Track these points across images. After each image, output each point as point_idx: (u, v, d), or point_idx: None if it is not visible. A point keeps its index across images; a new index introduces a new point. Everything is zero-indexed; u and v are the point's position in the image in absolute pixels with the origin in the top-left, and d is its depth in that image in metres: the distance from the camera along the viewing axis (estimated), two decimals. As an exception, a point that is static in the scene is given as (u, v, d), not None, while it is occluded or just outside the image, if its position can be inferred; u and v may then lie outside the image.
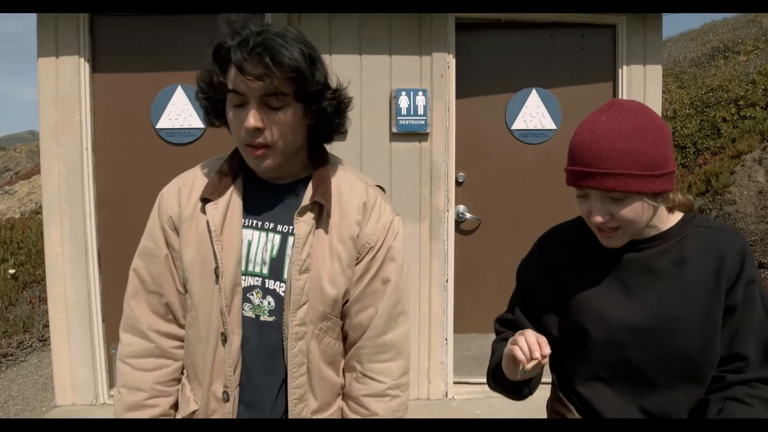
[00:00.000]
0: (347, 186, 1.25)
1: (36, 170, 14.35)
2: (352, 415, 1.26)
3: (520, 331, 1.20)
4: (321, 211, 1.20)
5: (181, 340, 1.29)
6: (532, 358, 1.13)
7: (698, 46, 14.14)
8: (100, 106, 3.32)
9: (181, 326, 1.29)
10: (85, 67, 3.23)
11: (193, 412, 1.24)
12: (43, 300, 6.13)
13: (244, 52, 1.04)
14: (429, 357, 3.44)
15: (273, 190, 1.25)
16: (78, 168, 3.26)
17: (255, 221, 1.22)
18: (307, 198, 1.20)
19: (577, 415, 1.29)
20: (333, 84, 1.20)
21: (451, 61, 3.35)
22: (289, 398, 1.20)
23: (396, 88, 3.27)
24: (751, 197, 7.11)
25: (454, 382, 3.54)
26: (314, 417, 1.23)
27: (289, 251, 1.19)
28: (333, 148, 3.15)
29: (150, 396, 1.26)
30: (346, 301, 1.24)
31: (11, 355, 4.81)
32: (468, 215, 3.48)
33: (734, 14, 14.80)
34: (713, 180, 7.32)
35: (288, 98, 1.11)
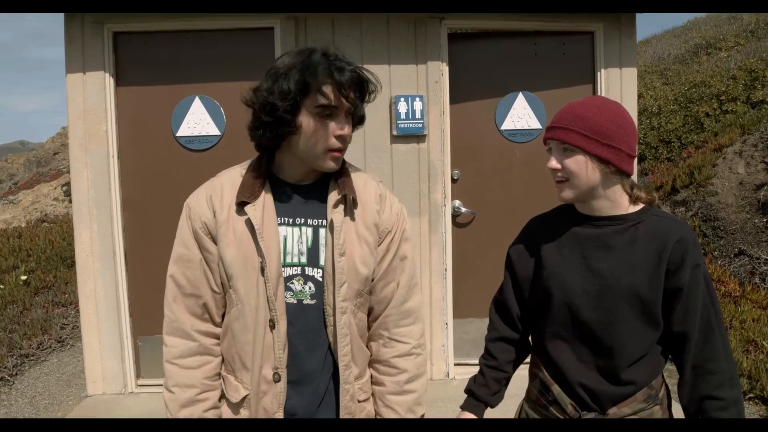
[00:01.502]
0: (361, 182, 1.45)
1: (37, 180, 14.53)
2: (382, 377, 1.46)
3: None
4: (346, 204, 1.39)
5: (218, 337, 1.42)
6: None
7: (682, 42, 14.50)
8: (124, 116, 3.60)
9: (217, 324, 1.42)
10: (110, 81, 3.52)
11: (244, 397, 1.37)
12: (56, 304, 6.38)
13: (345, 76, 1.30)
14: (431, 340, 3.74)
15: (297, 190, 1.41)
16: (105, 174, 3.54)
17: (286, 218, 1.38)
18: (334, 193, 1.39)
19: (547, 374, 1.52)
20: None
21: (445, 69, 3.65)
22: (340, 364, 1.36)
23: (395, 94, 3.57)
24: (732, 188, 7.45)
25: (455, 364, 3.84)
26: (356, 382, 1.41)
27: (322, 241, 1.37)
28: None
29: (201, 391, 1.38)
30: (372, 279, 1.42)
31: (32, 356, 5.05)
32: (463, 209, 3.79)
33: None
34: (696, 173, 7.65)
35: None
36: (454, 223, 3.83)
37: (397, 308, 1.45)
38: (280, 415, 1.35)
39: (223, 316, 1.42)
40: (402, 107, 3.56)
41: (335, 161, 1.37)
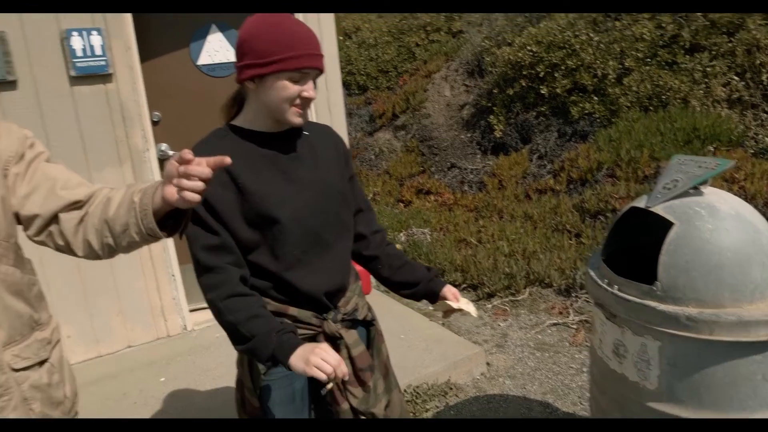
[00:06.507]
0: None
1: None
2: None
3: (319, 347, 1.34)
4: None
5: None
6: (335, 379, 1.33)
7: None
8: None
9: None
10: None
11: None
12: None
13: None
14: (160, 295, 3.50)
15: None
16: None
17: None
18: None
19: (276, 304, 1.50)
20: None
21: (122, -4, 3.26)
22: None
23: (66, 28, 3.09)
24: (441, 110, 8.34)
25: (190, 311, 3.67)
26: (6, 349, 1.22)
27: None
28: (3, 99, 2.88)
29: None
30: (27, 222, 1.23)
31: None
32: (170, 152, 3.54)
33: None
34: (411, 98, 8.38)
35: None
36: (163, 167, 3.55)
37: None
38: None
39: None
40: (76, 43, 3.09)
41: None
